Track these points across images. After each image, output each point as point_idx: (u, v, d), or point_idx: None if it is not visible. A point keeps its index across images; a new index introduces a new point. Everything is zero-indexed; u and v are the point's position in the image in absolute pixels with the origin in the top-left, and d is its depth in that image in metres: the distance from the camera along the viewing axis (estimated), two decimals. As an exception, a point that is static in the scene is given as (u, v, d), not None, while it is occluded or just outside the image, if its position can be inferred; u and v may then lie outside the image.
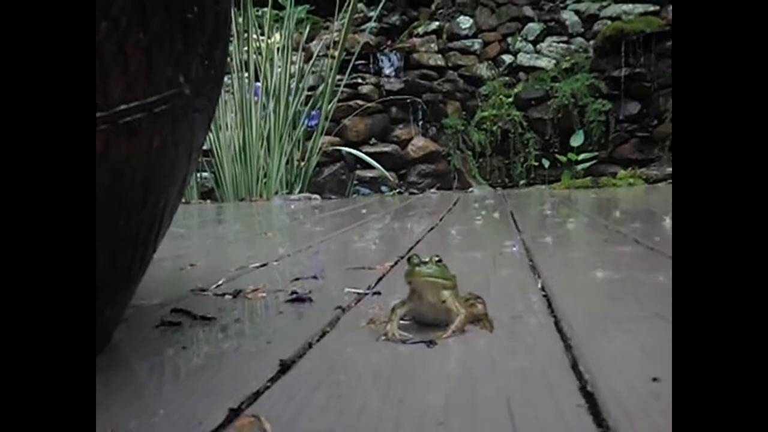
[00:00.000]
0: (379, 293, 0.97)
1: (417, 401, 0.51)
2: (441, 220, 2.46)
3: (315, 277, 1.14)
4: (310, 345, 0.69)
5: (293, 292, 0.98)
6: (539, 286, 1.01)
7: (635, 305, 0.85)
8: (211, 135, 5.67)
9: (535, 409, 0.49)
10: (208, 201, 5.75)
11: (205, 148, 4.70)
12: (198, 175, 5.90)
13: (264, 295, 1.00)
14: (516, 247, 1.50)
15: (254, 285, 1.07)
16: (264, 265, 1.36)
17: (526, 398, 0.51)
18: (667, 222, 1.97)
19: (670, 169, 5.03)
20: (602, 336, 0.69)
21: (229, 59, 5.93)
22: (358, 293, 0.98)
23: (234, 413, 0.50)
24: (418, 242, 1.68)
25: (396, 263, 1.31)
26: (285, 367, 0.61)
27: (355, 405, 0.51)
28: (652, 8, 7.00)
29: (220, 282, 1.13)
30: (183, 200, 4.64)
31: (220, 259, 1.63)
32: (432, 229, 2.08)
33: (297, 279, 1.14)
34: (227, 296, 1.00)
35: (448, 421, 0.47)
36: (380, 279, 1.13)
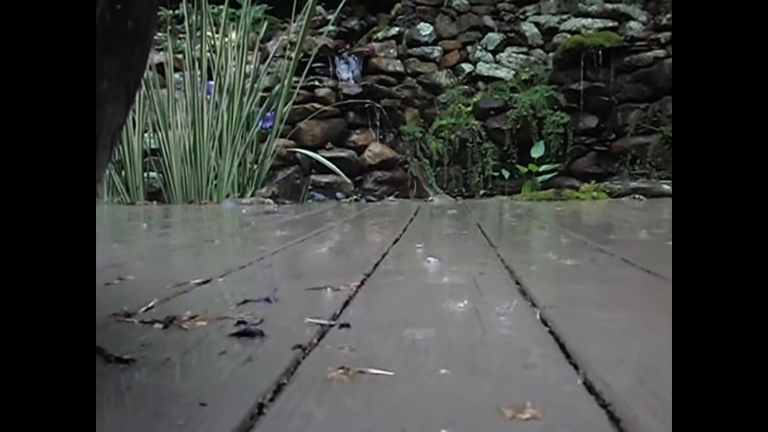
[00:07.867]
0: (347, 326, 0.78)
1: None
2: (404, 231, 2.28)
3: (268, 300, 0.95)
4: (260, 409, 0.50)
5: (240, 322, 0.79)
6: (538, 317, 0.85)
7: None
8: (159, 134, 5.39)
9: None
10: (155, 202, 5.45)
11: (153, 146, 4.41)
12: (145, 174, 5.60)
13: (204, 324, 0.81)
14: (496, 267, 1.33)
15: (192, 310, 0.87)
16: (207, 281, 1.16)
17: None
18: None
19: (634, 183, 4.99)
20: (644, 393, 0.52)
21: (181, 55, 5.69)
22: (321, 324, 0.79)
23: None
24: (384, 256, 1.50)
25: (362, 282, 1.13)
26: (223, 454, 0.42)
27: None
28: (611, 23, 7.02)
29: (151, 304, 0.93)
30: (128, 201, 4.33)
31: (157, 271, 1.42)
32: (396, 241, 1.90)
33: (245, 302, 0.94)
34: (156, 325, 0.80)
35: None
36: (346, 303, 0.94)
